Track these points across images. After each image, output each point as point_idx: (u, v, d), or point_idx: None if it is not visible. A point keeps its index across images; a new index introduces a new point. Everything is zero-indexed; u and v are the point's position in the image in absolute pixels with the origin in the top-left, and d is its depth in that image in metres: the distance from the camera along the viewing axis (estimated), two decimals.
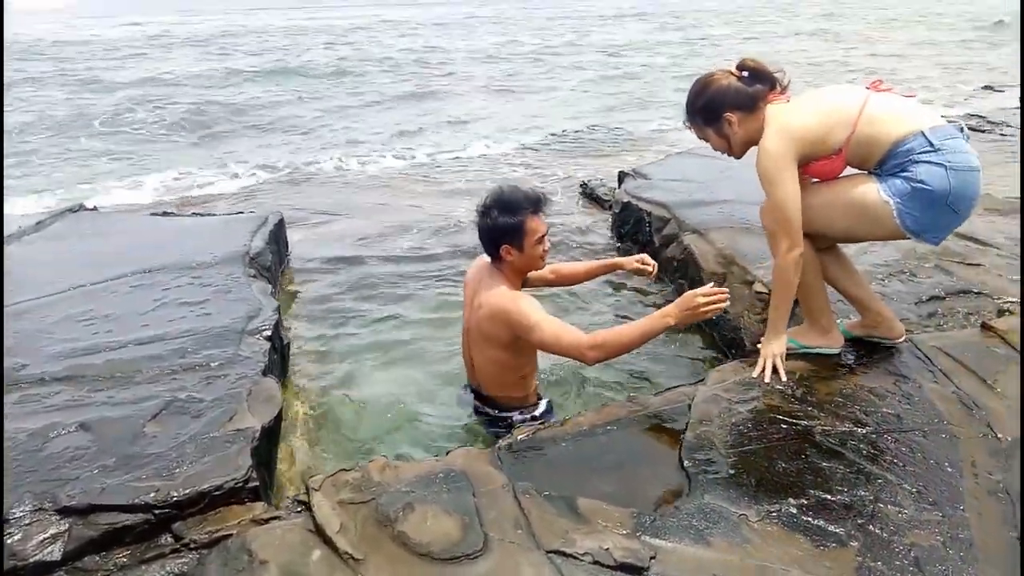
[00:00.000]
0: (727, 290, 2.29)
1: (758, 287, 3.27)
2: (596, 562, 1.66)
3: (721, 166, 5.81)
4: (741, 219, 4.18)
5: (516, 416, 2.79)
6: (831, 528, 1.77)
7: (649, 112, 12.34)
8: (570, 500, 1.87)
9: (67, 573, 1.79)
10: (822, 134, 2.34)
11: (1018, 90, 13.25)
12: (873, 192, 2.34)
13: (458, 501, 1.84)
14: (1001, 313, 2.95)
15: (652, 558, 1.67)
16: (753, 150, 2.49)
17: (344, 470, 1.98)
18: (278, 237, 4.51)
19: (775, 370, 2.45)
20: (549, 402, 2.87)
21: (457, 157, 9.03)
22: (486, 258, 2.79)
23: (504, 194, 2.62)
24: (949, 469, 1.98)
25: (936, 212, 2.30)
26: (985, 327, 2.72)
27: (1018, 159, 7.20)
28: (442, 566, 1.66)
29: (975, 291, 3.13)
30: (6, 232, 4.40)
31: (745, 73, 2.44)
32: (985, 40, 22.08)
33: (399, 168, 8.44)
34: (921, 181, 2.26)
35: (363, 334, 3.80)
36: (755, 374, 2.45)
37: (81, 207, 5.06)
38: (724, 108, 2.43)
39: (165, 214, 5.10)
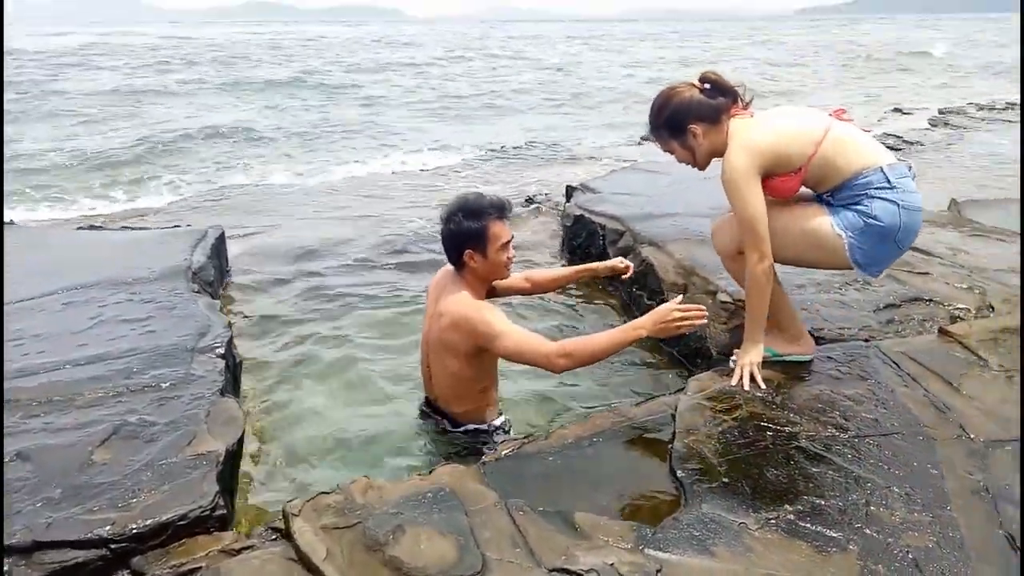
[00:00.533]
0: (704, 308, 2.28)
1: (722, 296, 3.29)
2: None
3: (666, 180, 5.91)
4: (695, 232, 4.22)
5: (471, 427, 2.71)
6: (830, 533, 1.76)
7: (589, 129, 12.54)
8: (566, 515, 1.80)
9: None
10: (785, 151, 2.37)
11: (924, 112, 14.10)
12: (827, 225, 2.41)
13: (450, 521, 1.74)
14: (954, 319, 3.05)
15: (659, 571, 1.62)
16: (716, 162, 2.52)
17: (324, 493, 1.85)
18: (219, 251, 4.30)
19: (752, 378, 2.45)
20: (507, 419, 2.80)
21: (395, 172, 8.92)
22: (449, 268, 2.72)
23: (468, 200, 2.57)
24: (932, 471, 2.00)
25: (884, 247, 2.42)
26: (943, 332, 2.80)
27: (933, 176, 7.61)
28: None
29: (926, 299, 3.23)
30: None
31: (707, 86, 2.46)
32: (904, 68, 23.50)
33: (337, 182, 8.26)
34: (875, 217, 2.36)
35: (312, 350, 3.63)
36: (733, 382, 2.44)
37: None
38: (689, 120, 2.44)
39: (92, 227, 4.81)
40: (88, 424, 2.17)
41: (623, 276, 2.93)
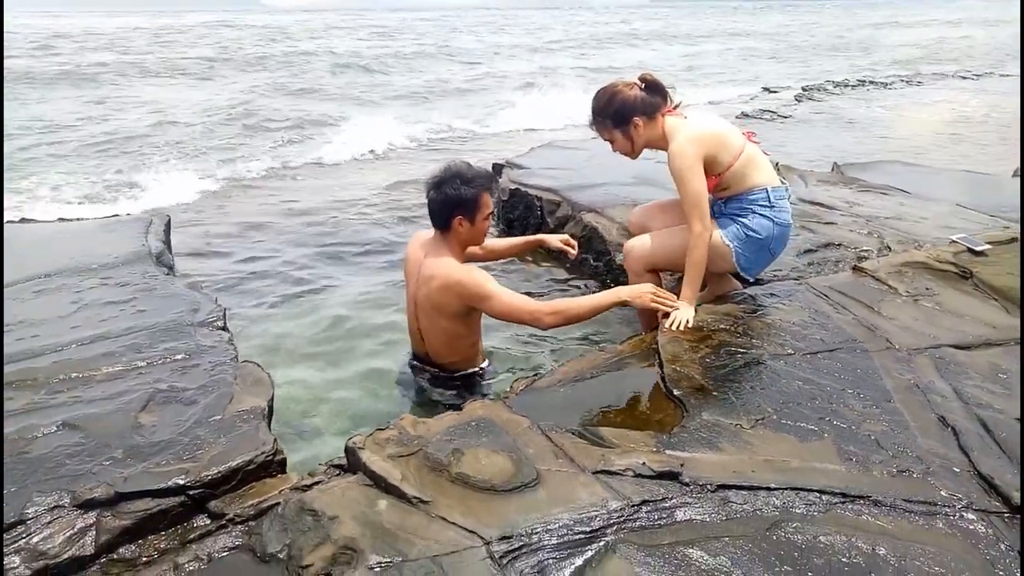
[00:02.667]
0: (676, 299, 2.70)
1: None
2: (638, 475, 1.86)
3: (584, 155, 6.24)
4: (625, 198, 4.55)
5: (461, 373, 2.93)
6: (808, 426, 2.09)
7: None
8: (594, 431, 2.05)
9: (104, 565, 1.69)
10: (717, 152, 2.76)
11: (788, 91, 15.24)
12: (718, 238, 2.85)
13: (498, 442, 1.96)
14: (861, 259, 3.51)
15: (682, 465, 1.90)
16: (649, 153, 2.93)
17: (380, 429, 2.01)
18: (167, 239, 4.25)
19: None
20: (490, 363, 3.04)
21: (314, 160, 8.80)
22: (424, 234, 2.90)
23: (462, 169, 2.75)
24: (873, 375, 2.39)
25: (762, 255, 2.90)
26: (856, 269, 3.25)
27: (809, 143, 8.37)
28: (507, 497, 1.77)
29: (836, 243, 3.70)
30: None
31: (643, 85, 2.79)
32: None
33: (260, 172, 8.06)
34: (754, 230, 2.84)
35: (288, 320, 3.73)
36: (666, 327, 2.71)
37: None
38: (634, 114, 2.77)
39: (24, 220, 4.60)
40: (120, 394, 2.22)
41: (569, 256, 3.21)
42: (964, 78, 16.64)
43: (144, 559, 1.71)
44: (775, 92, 15.43)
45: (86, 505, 1.76)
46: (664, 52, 26.80)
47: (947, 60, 21.43)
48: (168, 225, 4.35)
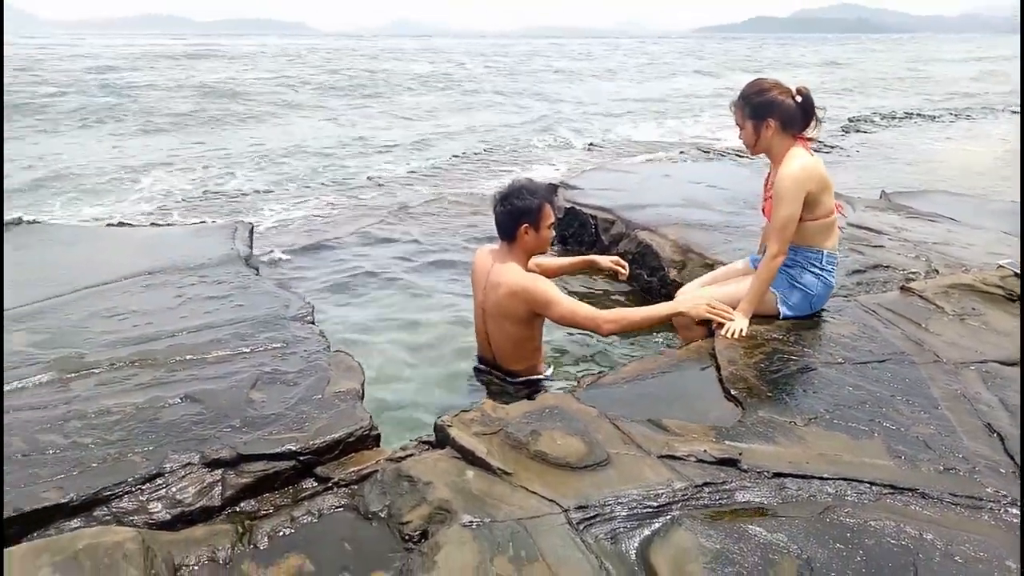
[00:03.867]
0: (731, 311, 2.84)
1: (717, 268, 3.77)
2: (700, 461, 2.01)
3: (635, 178, 6.42)
4: (678, 217, 4.71)
5: (525, 378, 3.11)
6: (859, 427, 2.22)
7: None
8: (657, 422, 2.21)
9: (229, 515, 1.91)
10: (818, 201, 2.87)
11: (835, 122, 15.21)
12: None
13: (571, 427, 2.13)
14: (909, 280, 3.61)
15: (740, 454, 2.04)
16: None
17: (464, 411, 2.21)
18: (251, 243, 4.54)
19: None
20: (553, 370, 3.21)
21: (378, 176, 9.14)
22: (490, 247, 3.10)
23: (525, 183, 2.97)
24: (921, 384, 2.50)
25: (802, 305, 3.00)
26: (904, 289, 3.35)
27: (858, 172, 8.41)
28: (581, 473, 1.94)
29: (884, 265, 3.80)
30: None
31: (799, 98, 2.86)
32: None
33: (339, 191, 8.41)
34: (802, 284, 2.96)
35: (362, 320, 3.97)
36: (723, 333, 2.83)
37: (21, 220, 4.81)
38: (771, 114, 2.84)
39: (122, 224, 4.95)
40: (231, 374, 2.46)
41: (619, 277, 3.38)
42: (1015, 112, 16.41)
43: (263, 512, 1.92)
44: (821, 122, 15.39)
45: (213, 464, 1.98)
46: (701, 83, 26.90)
47: (995, 94, 21.12)
48: (251, 232, 4.65)
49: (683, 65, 36.57)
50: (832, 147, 10.73)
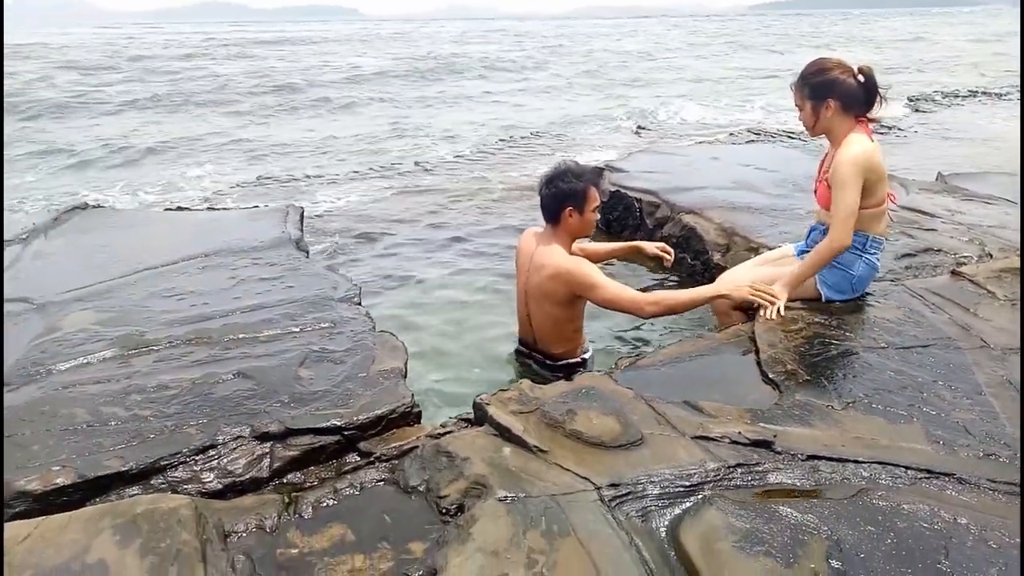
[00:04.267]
0: (775, 295, 2.83)
1: (762, 251, 3.73)
2: (734, 442, 2.03)
3: (681, 160, 6.35)
4: (724, 200, 4.66)
5: (564, 361, 3.13)
6: (897, 411, 2.20)
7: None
8: (693, 404, 2.23)
9: (277, 486, 2.01)
10: (875, 189, 2.82)
11: (896, 101, 14.69)
12: None
13: (606, 407, 2.17)
14: (960, 264, 3.52)
15: (774, 436, 2.05)
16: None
17: (503, 390, 2.27)
18: (301, 227, 4.67)
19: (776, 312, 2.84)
20: (591, 353, 3.23)
21: (427, 161, 9.25)
22: (535, 229, 3.13)
23: (571, 166, 2.98)
24: (965, 370, 2.46)
25: (843, 285, 2.95)
26: (954, 273, 3.27)
27: (917, 152, 8.14)
28: (615, 452, 1.98)
29: (936, 249, 3.70)
30: (22, 229, 4.39)
31: (861, 78, 2.79)
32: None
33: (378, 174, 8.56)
34: (843, 264, 2.91)
35: (409, 304, 4.08)
36: (764, 314, 2.82)
37: (87, 205, 5.04)
38: (831, 95, 2.79)
39: (180, 209, 5.15)
40: (280, 352, 2.56)
41: (665, 263, 3.36)
42: None
43: (308, 484, 2.02)
44: (886, 103, 14.90)
45: (262, 437, 2.08)
46: (761, 61, 26.23)
47: None
48: (302, 216, 4.77)
49: (747, 41, 35.72)
50: (890, 127, 10.39)
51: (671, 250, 3.36)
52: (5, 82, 16.02)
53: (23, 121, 12.53)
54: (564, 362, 3.14)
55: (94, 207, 5.04)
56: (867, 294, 3.04)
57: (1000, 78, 18.61)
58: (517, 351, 3.32)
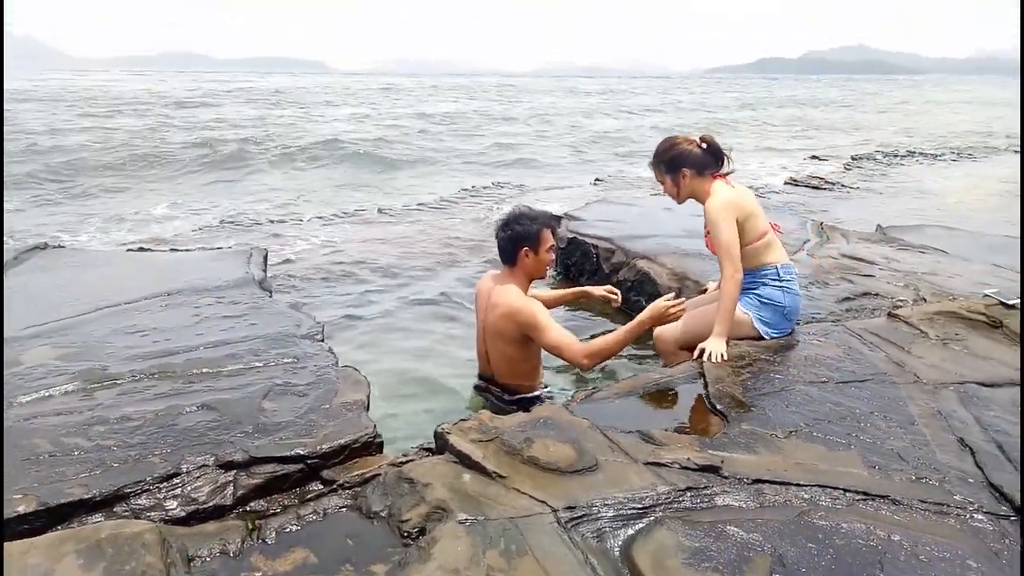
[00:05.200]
0: (684, 300, 3.02)
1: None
2: (683, 468, 2.12)
3: (636, 211, 6.59)
4: (676, 247, 4.86)
5: (521, 396, 3.21)
6: (836, 439, 2.33)
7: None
8: (645, 433, 2.32)
9: (240, 514, 2.03)
10: (746, 225, 3.06)
11: (838, 159, 15.41)
12: (737, 311, 3.11)
13: (563, 436, 2.25)
14: (896, 307, 3.72)
15: (722, 462, 2.15)
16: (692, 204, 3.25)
17: (463, 420, 2.33)
18: (265, 268, 4.71)
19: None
20: (549, 389, 3.33)
21: (390, 208, 9.35)
22: (493, 272, 3.26)
23: (525, 210, 3.13)
24: (899, 402, 2.61)
25: (777, 316, 3.14)
26: (890, 315, 3.47)
27: (858, 207, 8.54)
28: (570, 477, 2.05)
29: (873, 293, 3.92)
30: None
31: (704, 146, 3.12)
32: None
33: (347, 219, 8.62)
34: (768, 298, 3.13)
35: (368, 341, 4.12)
36: (695, 357, 2.96)
37: (47, 244, 5.00)
38: (684, 165, 3.10)
39: (142, 250, 5.14)
40: (244, 386, 2.59)
41: (612, 305, 3.54)
42: (1016, 152, 16.56)
43: (271, 511, 2.04)
44: (824, 160, 15.62)
45: (226, 466, 2.10)
46: (692, 118, 27.28)
47: (999, 135, 21.31)
48: (265, 257, 4.82)
49: (716, 102, 37.17)
50: (833, 183, 10.88)
51: (618, 292, 3.52)
52: None
53: None
54: (521, 396, 3.22)
55: (54, 247, 5.01)
56: (810, 334, 3.21)
57: (930, 139, 19.67)
58: (476, 386, 3.39)
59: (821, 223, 5.96)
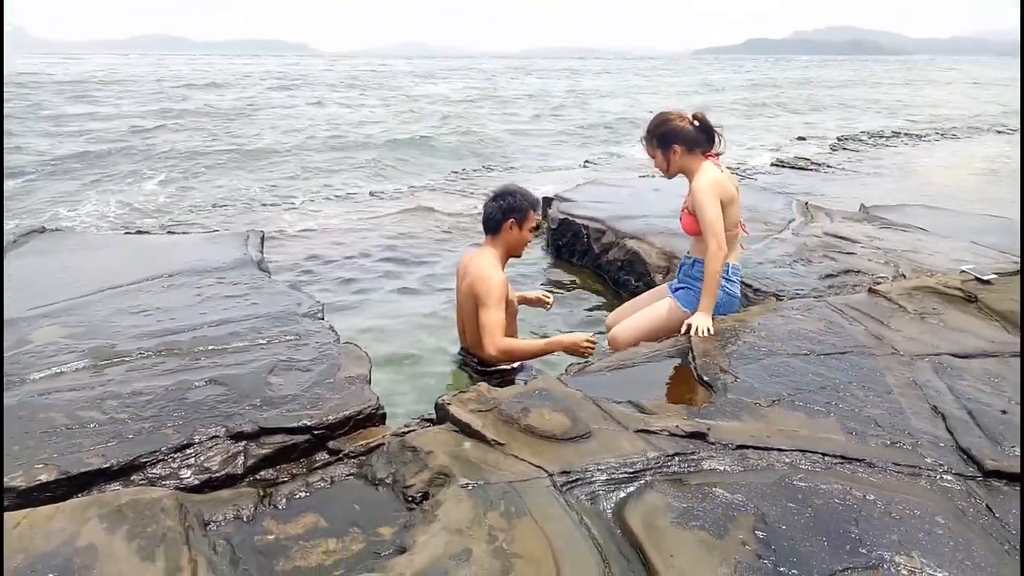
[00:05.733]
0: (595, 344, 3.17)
1: None
2: (672, 435, 2.23)
3: (627, 192, 6.67)
4: (665, 227, 4.95)
5: (497, 367, 3.31)
6: (816, 407, 2.44)
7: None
8: (636, 403, 2.43)
9: (251, 482, 2.12)
10: (727, 212, 3.17)
11: (823, 140, 15.52)
12: (675, 305, 3.30)
13: (558, 405, 2.35)
14: (877, 283, 3.84)
15: (708, 429, 2.26)
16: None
17: (462, 391, 2.43)
18: (262, 249, 4.77)
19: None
20: (528, 363, 3.43)
21: (383, 191, 9.39)
22: (474, 245, 3.36)
23: (517, 187, 3.27)
24: (877, 373, 2.72)
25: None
26: (871, 291, 3.58)
27: (843, 186, 8.65)
28: (564, 444, 2.16)
29: (855, 270, 4.03)
30: None
31: (696, 123, 3.20)
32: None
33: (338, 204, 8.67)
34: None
35: (366, 320, 4.23)
36: (682, 332, 3.08)
37: (44, 228, 5.05)
38: (675, 141, 3.18)
39: (140, 232, 5.18)
40: (250, 362, 2.67)
41: (545, 307, 3.71)
42: (1000, 132, 16.74)
43: (280, 479, 2.14)
44: (810, 141, 15.74)
45: (237, 436, 2.19)
46: (687, 100, 27.32)
47: (986, 115, 21.48)
48: (263, 239, 4.88)
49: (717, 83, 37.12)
50: (819, 164, 10.99)
51: (550, 295, 3.73)
52: None
53: None
54: (497, 368, 3.31)
55: (52, 230, 5.05)
56: (794, 309, 3.32)
57: (919, 121, 19.81)
58: (457, 360, 3.49)
59: (806, 203, 6.07)
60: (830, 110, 23.92)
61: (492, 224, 3.23)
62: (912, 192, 8.69)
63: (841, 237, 4.64)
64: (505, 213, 3.18)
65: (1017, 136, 14.95)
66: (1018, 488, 2.04)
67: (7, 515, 1.79)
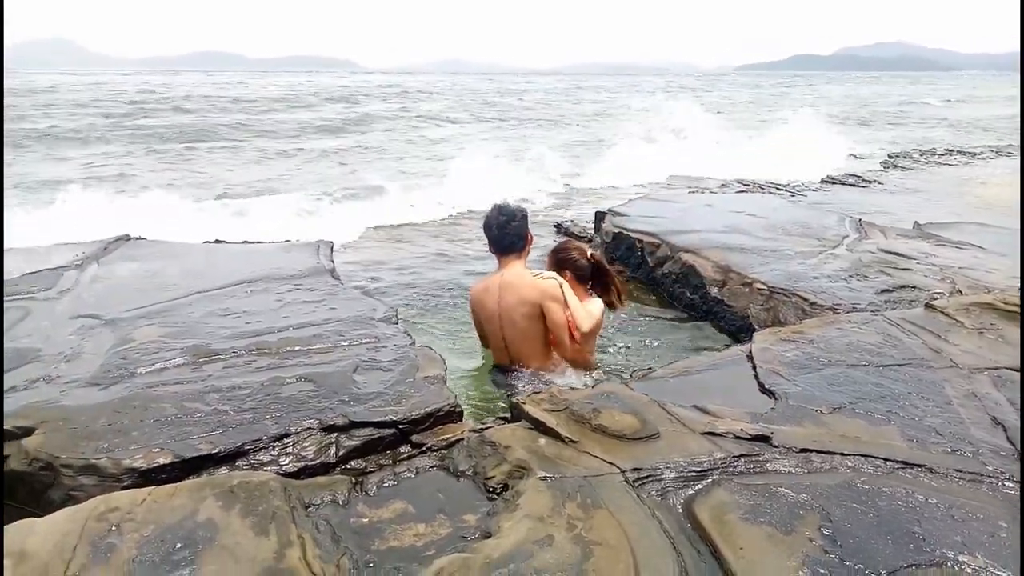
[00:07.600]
0: None
1: (758, 285, 4.07)
2: (737, 437, 2.32)
3: (678, 207, 6.74)
4: (719, 242, 5.02)
5: (546, 377, 3.43)
6: (877, 416, 2.50)
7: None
8: (701, 407, 2.52)
9: (343, 471, 2.28)
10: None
11: (873, 157, 15.30)
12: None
13: (626, 407, 2.46)
14: (933, 299, 3.86)
15: (771, 433, 2.35)
16: None
17: (536, 392, 2.56)
18: (332, 259, 4.98)
19: None
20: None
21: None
22: (483, 280, 3.54)
23: (504, 202, 3.54)
24: (936, 385, 2.77)
25: None
26: (928, 306, 3.60)
27: (896, 204, 8.56)
28: (635, 443, 2.27)
29: (911, 286, 4.05)
30: (72, 258, 4.67)
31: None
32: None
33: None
34: None
35: (434, 324, 4.41)
36: None
37: (128, 236, 5.34)
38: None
39: (217, 241, 5.46)
40: (335, 361, 2.85)
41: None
42: None
43: (369, 469, 2.29)
44: (861, 158, 15.53)
45: (329, 428, 2.36)
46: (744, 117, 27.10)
47: None
48: (331, 248, 5.10)
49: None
50: (870, 182, 10.87)
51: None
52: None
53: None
54: (541, 376, 3.43)
55: (136, 238, 5.35)
56: (851, 323, 3.37)
57: (974, 137, 19.36)
58: (494, 380, 3.56)
59: (859, 219, 6.06)
60: (880, 126, 23.51)
61: (520, 243, 3.46)
62: (967, 210, 8.55)
63: (896, 253, 4.65)
64: (527, 228, 3.48)
65: None
66: None
67: (131, 491, 1.98)
